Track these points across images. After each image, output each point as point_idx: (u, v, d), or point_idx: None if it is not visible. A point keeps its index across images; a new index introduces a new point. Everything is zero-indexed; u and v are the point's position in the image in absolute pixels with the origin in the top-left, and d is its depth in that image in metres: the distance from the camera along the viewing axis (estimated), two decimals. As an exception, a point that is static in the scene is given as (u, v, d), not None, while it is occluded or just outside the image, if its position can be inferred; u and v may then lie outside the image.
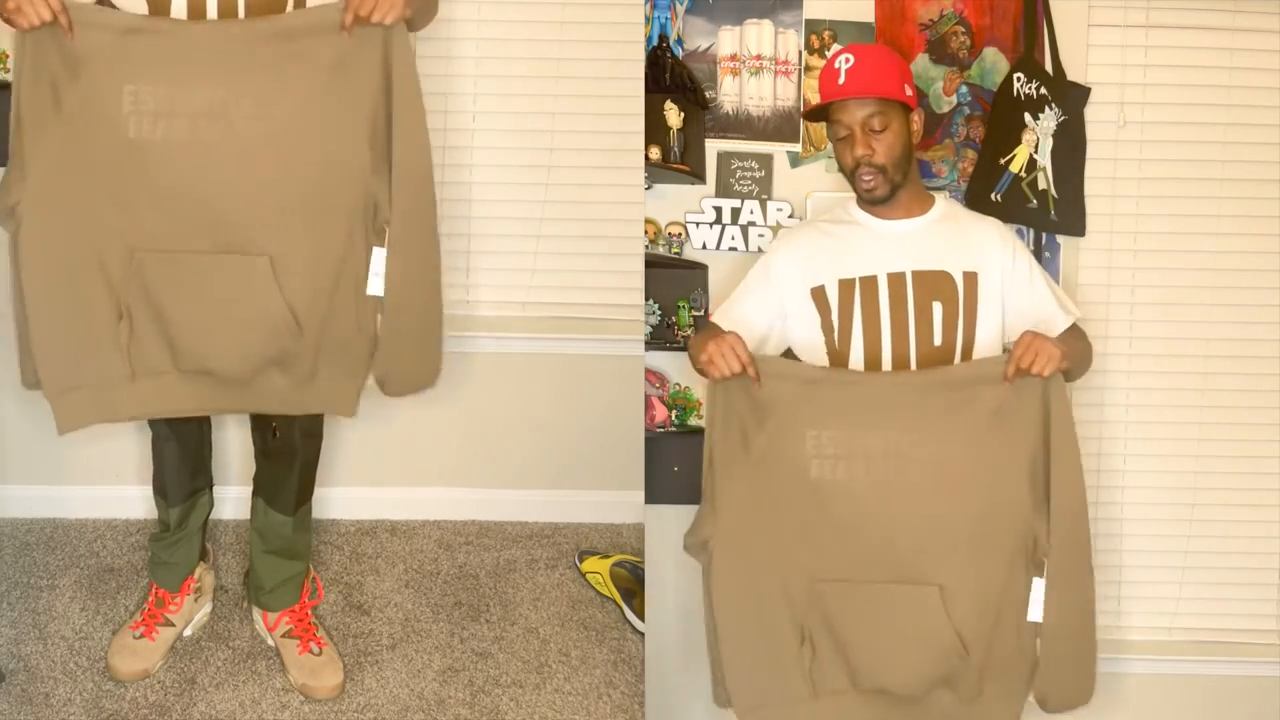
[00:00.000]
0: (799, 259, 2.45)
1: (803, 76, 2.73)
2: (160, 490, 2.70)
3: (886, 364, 2.38)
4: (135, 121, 2.17)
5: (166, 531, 2.73)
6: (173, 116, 2.17)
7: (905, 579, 2.26)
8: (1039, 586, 2.28)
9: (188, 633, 2.78)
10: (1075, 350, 2.37)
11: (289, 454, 2.65)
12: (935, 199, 2.46)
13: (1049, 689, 2.34)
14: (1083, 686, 2.38)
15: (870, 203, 2.40)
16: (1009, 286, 2.39)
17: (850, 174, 2.38)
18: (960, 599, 2.26)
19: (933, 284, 2.38)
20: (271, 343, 2.31)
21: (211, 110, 2.18)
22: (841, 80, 2.34)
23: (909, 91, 2.38)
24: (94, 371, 2.32)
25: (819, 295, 2.41)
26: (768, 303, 2.45)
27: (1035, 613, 2.29)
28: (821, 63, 2.71)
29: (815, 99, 2.71)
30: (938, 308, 2.37)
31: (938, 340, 2.37)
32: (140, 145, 2.18)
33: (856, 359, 2.39)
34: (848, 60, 2.34)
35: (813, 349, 2.43)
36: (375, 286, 2.36)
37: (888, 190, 2.37)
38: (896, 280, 2.38)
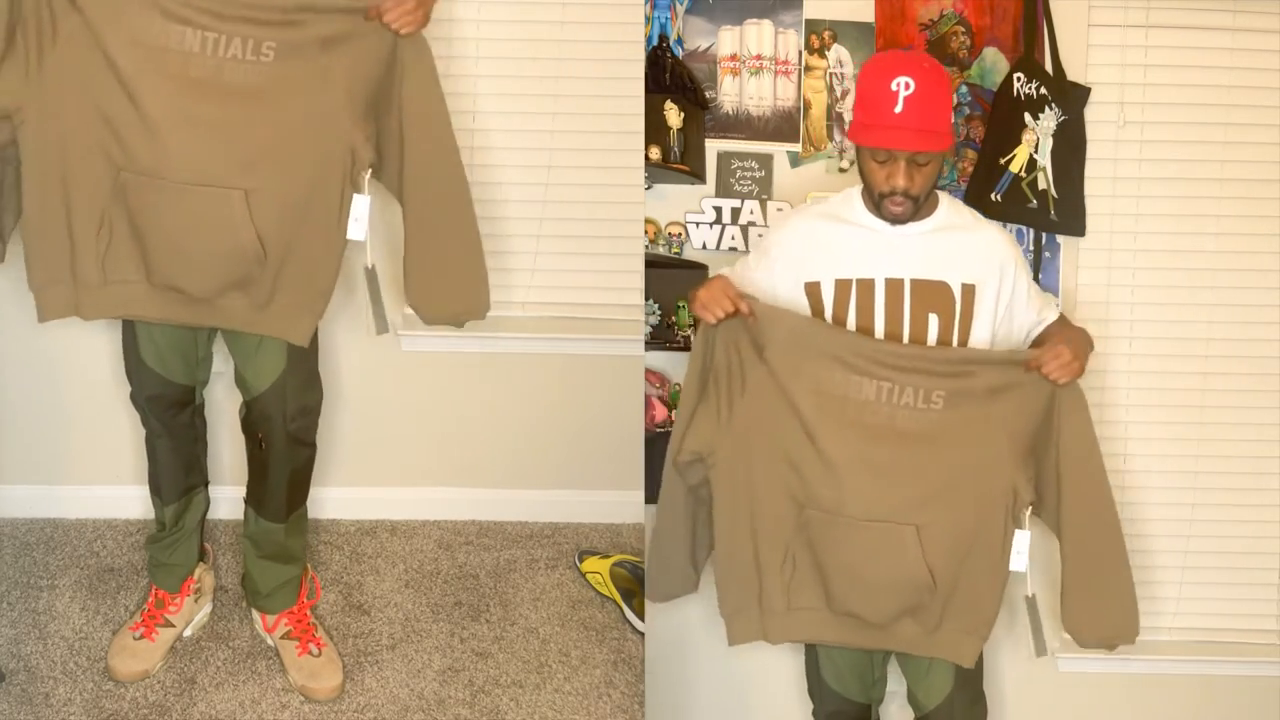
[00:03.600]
0: (796, 249, 2.40)
1: (803, 76, 2.73)
2: (155, 488, 2.71)
3: None
4: (129, 53, 2.26)
5: (163, 531, 2.72)
6: (165, 52, 2.26)
7: (885, 518, 2.31)
8: (1022, 538, 2.37)
9: (188, 633, 2.78)
10: (1084, 349, 2.39)
11: (276, 462, 2.64)
12: (939, 200, 2.42)
13: (1077, 622, 2.47)
14: (1113, 621, 2.46)
15: (891, 223, 2.35)
16: (1009, 299, 2.39)
17: (879, 195, 2.31)
18: (934, 539, 2.32)
19: (931, 295, 2.35)
20: (237, 268, 2.40)
21: (203, 50, 2.27)
22: (899, 109, 2.23)
23: (953, 120, 2.33)
24: (72, 271, 2.43)
25: (813, 290, 2.38)
26: (763, 286, 2.42)
27: (1018, 562, 2.38)
28: (822, 63, 2.72)
29: (817, 101, 2.72)
30: (934, 319, 2.35)
31: None
32: (133, 75, 2.27)
33: None
34: (907, 86, 2.23)
35: None
36: (355, 231, 2.46)
37: (911, 215, 2.32)
38: (895, 287, 2.35)
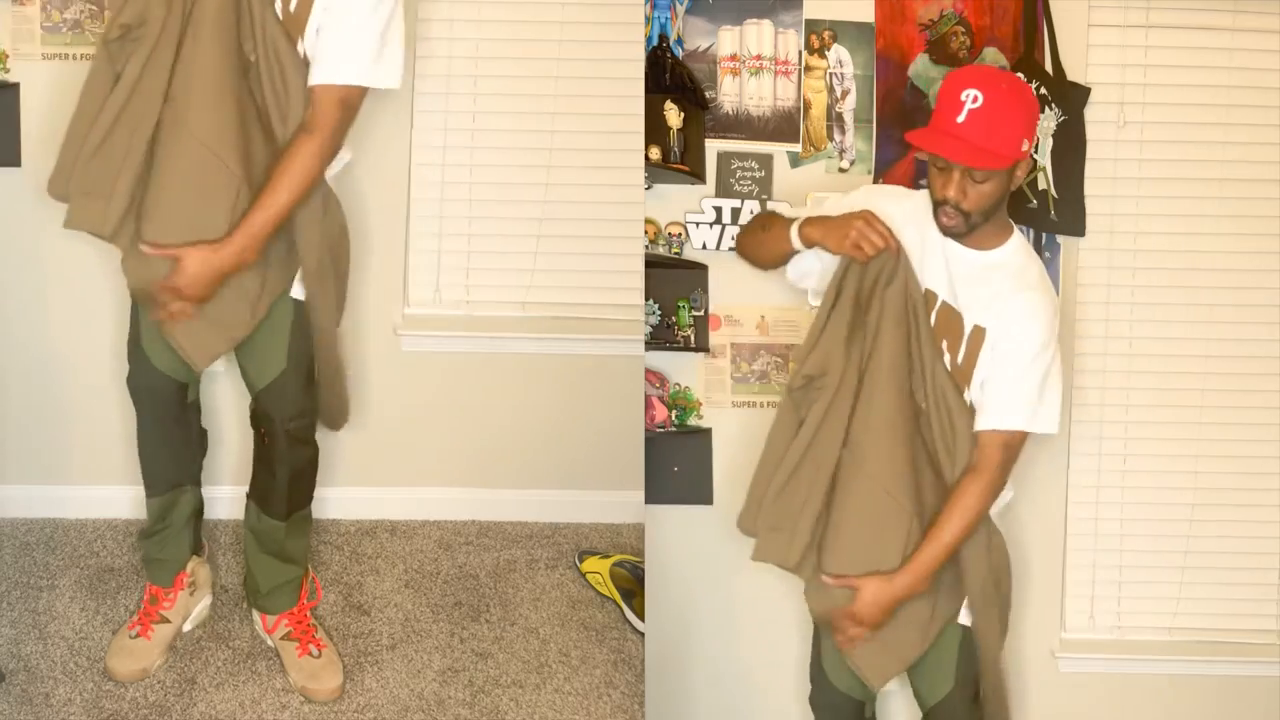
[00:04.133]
0: (904, 214, 2.34)
1: (803, 76, 2.73)
2: (144, 480, 2.71)
3: None
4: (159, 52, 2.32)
5: (153, 526, 2.73)
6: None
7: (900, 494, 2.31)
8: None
9: (187, 627, 2.78)
10: (954, 534, 2.31)
11: (278, 459, 2.64)
12: (1011, 233, 2.32)
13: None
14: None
15: (942, 233, 2.29)
16: (995, 352, 2.28)
17: (934, 202, 2.25)
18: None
19: (949, 323, 2.32)
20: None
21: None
22: (961, 118, 2.17)
23: (1026, 146, 2.20)
24: (113, 189, 2.37)
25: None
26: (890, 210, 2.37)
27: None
28: (822, 63, 2.72)
29: (817, 101, 2.72)
30: (944, 345, 2.34)
31: None
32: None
33: None
34: (976, 99, 2.16)
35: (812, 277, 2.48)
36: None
37: (966, 230, 2.25)
38: (929, 299, 2.34)
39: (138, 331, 2.56)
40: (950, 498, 2.32)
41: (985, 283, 2.29)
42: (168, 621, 2.73)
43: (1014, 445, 2.31)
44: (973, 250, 2.30)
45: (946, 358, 2.34)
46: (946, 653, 2.40)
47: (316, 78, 2.34)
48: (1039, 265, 2.36)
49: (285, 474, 2.65)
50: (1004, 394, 2.28)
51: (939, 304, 2.34)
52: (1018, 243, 2.33)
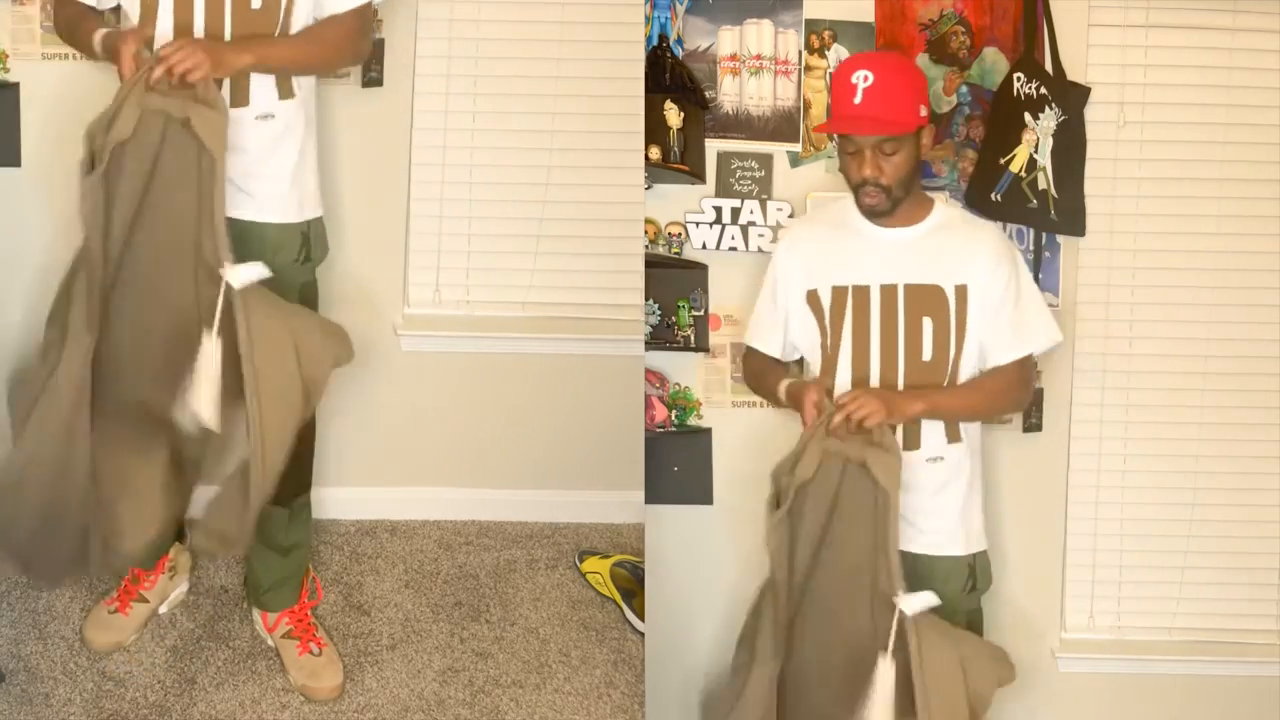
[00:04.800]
0: (797, 260, 2.46)
1: (803, 76, 2.73)
2: None
3: (874, 378, 2.38)
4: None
5: None
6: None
7: None
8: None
9: (163, 609, 2.82)
10: (957, 395, 2.38)
11: None
12: (934, 203, 2.46)
13: None
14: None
15: (869, 216, 2.39)
16: (985, 300, 2.38)
17: (854, 188, 2.37)
18: None
19: (925, 299, 2.37)
20: None
21: None
22: (858, 99, 2.30)
23: (924, 113, 2.35)
24: None
25: (813, 299, 2.43)
26: (779, 308, 2.49)
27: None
28: (822, 63, 2.72)
29: (817, 101, 2.72)
30: (928, 323, 2.37)
31: (927, 355, 2.38)
32: None
33: (844, 367, 2.40)
34: (866, 79, 2.30)
35: (812, 352, 2.47)
36: None
37: (889, 207, 2.36)
38: (889, 292, 2.38)
39: None
40: (960, 384, 2.39)
41: (938, 250, 2.39)
42: (146, 601, 2.77)
43: (1029, 367, 2.48)
44: (907, 229, 2.40)
45: (931, 333, 2.36)
46: None
47: (327, 9, 2.43)
48: (968, 214, 2.54)
49: (293, 455, 2.65)
50: (1007, 330, 2.40)
51: (902, 289, 2.38)
52: (942, 207, 2.46)
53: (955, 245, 2.40)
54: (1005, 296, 2.39)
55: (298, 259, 2.53)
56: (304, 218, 2.53)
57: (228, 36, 2.35)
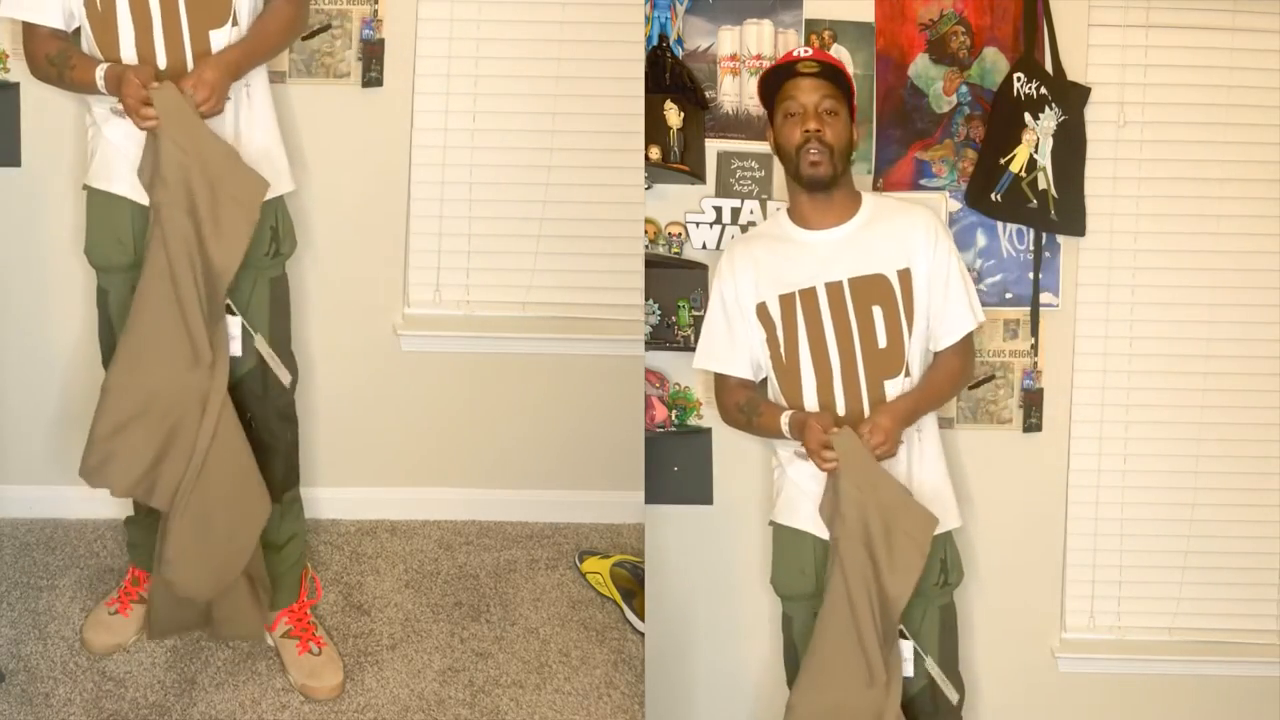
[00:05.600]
0: (741, 278, 2.47)
1: (803, 76, 2.73)
2: None
3: (836, 373, 2.40)
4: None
5: (140, 514, 2.74)
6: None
7: None
8: (907, 647, 2.41)
9: None
10: (932, 389, 2.43)
11: (269, 440, 2.65)
12: (863, 198, 2.48)
13: None
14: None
15: (811, 187, 2.40)
16: (929, 279, 2.41)
17: (796, 152, 2.38)
18: None
19: (870, 288, 2.40)
20: None
21: None
22: (800, 52, 2.43)
23: (854, 98, 2.45)
24: None
25: (762, 311, 2.45)
26: (729, 327, 2.49)
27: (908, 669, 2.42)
28: (821, 63, 2.73)
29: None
30: (878, 311, 2.40)
31: (882, 343, 2.40)
32: None
33: (807, 371, 2.42)
34: (806, 51, 2.45)
35: (768, 364, 2.48)
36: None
37: (830, 172, 2.38)
38: (835, 289, 2.41)
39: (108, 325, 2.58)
40: (925, 376, 2.43)
41: (875, 239, 2.43)
42: (146, 602, 2.75)
43: (969, 342, 2.50)
44: (841, 226, 2.45)
45: (882, 320, 2.39)
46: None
47: None
48: (896, 201, 2.55)
49: (281, 452, 2.67)
50: (951, 309, 2.43)
51: (847, 283, 2.41)
52: (871, 198, 2.50)
53: (891, 231, 2.43)
54: (950, 271, 2.42)
55: (267, 251, 2.53)
56: (276, 193, 2.52)
57: (185, 31, 2.38)
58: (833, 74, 2.40)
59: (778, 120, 2.43)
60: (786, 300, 2.42)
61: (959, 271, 2.44)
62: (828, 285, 2.41)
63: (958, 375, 2.49)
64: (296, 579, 2.78)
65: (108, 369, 2.50)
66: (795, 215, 2.47)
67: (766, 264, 2.45)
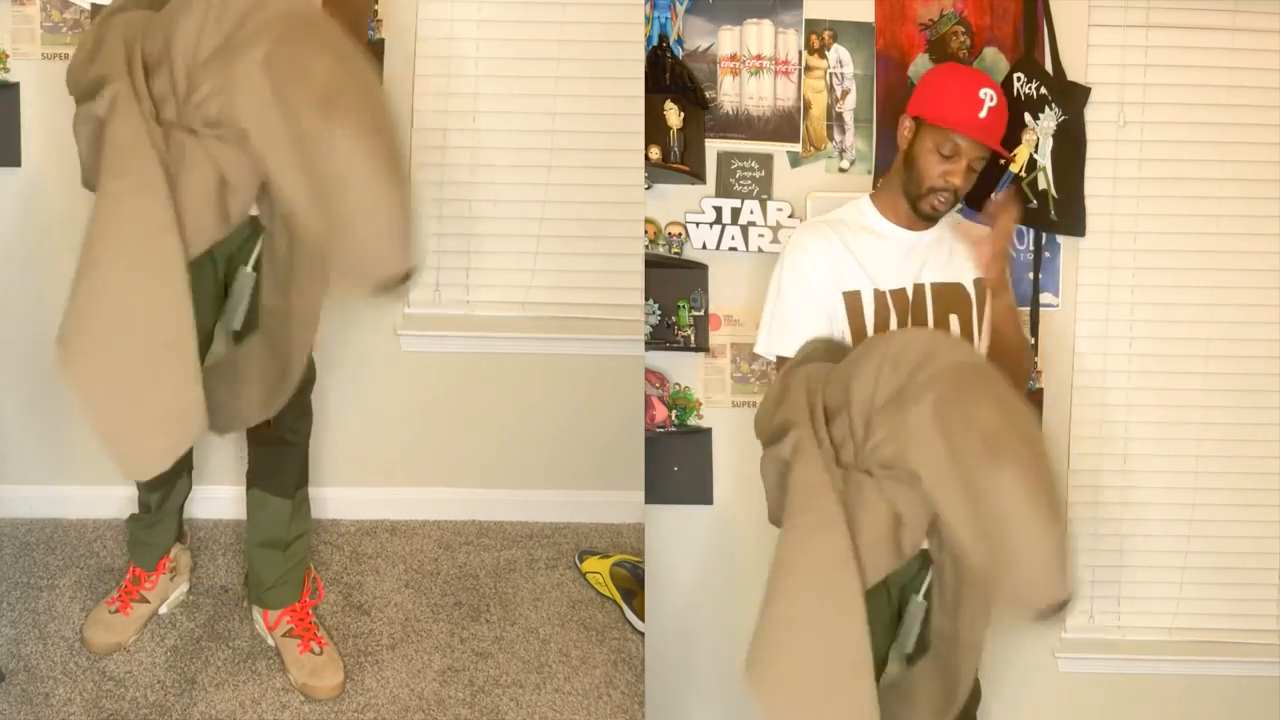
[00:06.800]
0: (828, 260, 2.41)
1: (803, 77, 2.73)
2: None
3: None
4: None
5: (145, 513, 2.76)
6: None
7: None
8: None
9: (163, 610, 2.82)
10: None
11: (290, 437, 2.67)
12: None
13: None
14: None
15: (923, 219, 2.41)
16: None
17: (923, 188, 2.37)
18: None
19: (950, 296, 2.42)
20: None
21: None
22: (983, 115, 2.35)
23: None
24: None
25: (852, 299, 2.40)
26: (818, 307, 2.41)
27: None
28: (822, 63, 2.72)
29: (817, 101, 2.72)
30: (954, 320, 2.41)
31: None
32: None
33: None
34: (992, 98, 2.36)
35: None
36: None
37: (945, 212, 2.41)
38: (919, 293, 2.41)
39: None
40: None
41: (953, 248, 2.46)
42: (147, 602, 2.78)
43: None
44: (925, 231, 2.45)
45: (958, 329, 2.41)
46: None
47: None
48: (959, 215, 2.56)
49: (299, 448, 2.69)
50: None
51: (930, 289, 2.41)
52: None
53: (968, 242, 2.46)
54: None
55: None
56: None
57: None
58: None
59: (924, 140, 2.38)
60: (880, 297, 2.39)
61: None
62: (914, 287, 2.42)
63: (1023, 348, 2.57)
64: (300, 578, 2.78)
65: None
66: (888, 211, 2.44)
67: (857, 254, 2.41)
